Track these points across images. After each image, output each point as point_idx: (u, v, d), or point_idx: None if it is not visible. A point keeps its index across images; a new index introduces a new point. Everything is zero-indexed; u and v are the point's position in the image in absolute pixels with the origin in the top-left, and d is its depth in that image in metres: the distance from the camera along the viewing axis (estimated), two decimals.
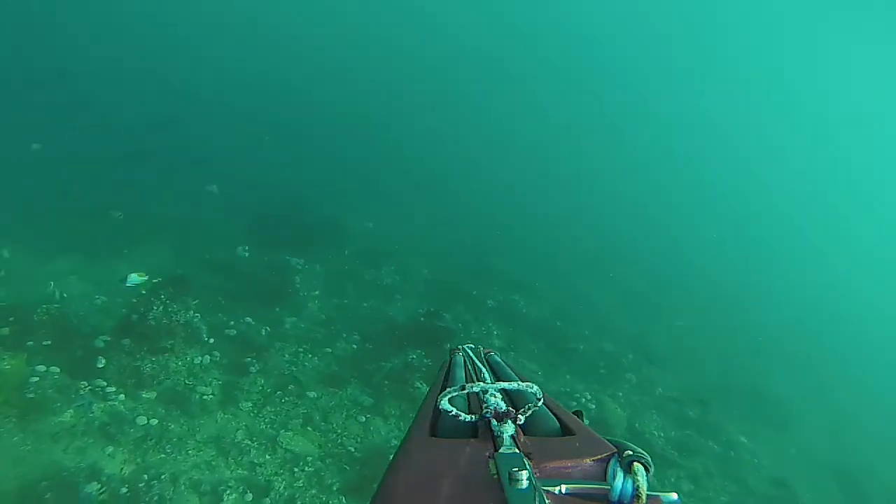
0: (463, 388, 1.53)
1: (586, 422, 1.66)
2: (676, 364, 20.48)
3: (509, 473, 1.06)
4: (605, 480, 1.21)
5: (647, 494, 1.10)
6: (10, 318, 10.52)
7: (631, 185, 51.86)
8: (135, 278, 11.86)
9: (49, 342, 10.32)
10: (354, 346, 14.46)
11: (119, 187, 20.42)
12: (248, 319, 13.85)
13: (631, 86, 65.96)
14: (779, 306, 36.15)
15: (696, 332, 24.84)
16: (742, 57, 61.46)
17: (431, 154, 42.15)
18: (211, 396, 10.53)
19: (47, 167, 19.58)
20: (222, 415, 10.27)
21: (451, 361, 2.75)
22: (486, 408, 1.51)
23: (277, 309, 15.40)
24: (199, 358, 11.21)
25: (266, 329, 13.68)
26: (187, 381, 10.65)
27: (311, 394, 11.63)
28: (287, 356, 12.81)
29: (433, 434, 1.55)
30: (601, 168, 53.19)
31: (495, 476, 1.14)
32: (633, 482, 1.13)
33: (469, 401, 1.82)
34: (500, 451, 1.27)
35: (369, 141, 39.91)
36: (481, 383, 1.73)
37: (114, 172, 21.51)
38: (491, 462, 1.21)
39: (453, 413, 1.49)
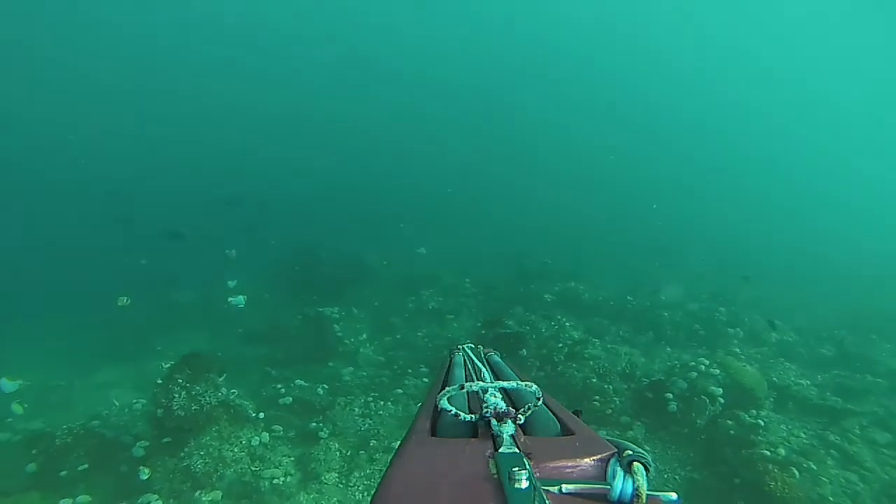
0: (462, 387, 1.52)
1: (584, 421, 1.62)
2: (776, 308, 18.24)
3: (509, 473, 1.04)
4: (605, 480, 1.15)
5: (647, 494, 1.05)
6: (34, 451, 8.80)
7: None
8: (240, 300, 12.10)
9: (86, 465, 8.54)
10: (425, 380, 12.59)
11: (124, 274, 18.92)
12: (300, 382, 12.01)
13: (643, 95, 63.38)
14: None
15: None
16: None
17: (441, 177, 40.86)
18: (286, 479, 8.55)
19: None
20: (306, 496, 8.30)
21: (450, 361, 2.70)
22: (486, 407, 1.48)
23: (330, 364, 13.72)
24: (256, 437, 9.27)
25: (323, 387, 11.80)
26: (252, 468, 8.68)
27: (397, 444, 9.61)
28: (357, 410, 10.88)
29: (433, 434, 1.52)
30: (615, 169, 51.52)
31: (495, 476, 1.11)
32: (633, 482, 1.07)
33: (469, 400, 1.79)
34: (500, 450, 1.24)
35: (372, 174, 38.64)
36: (480, 382, 1.75)
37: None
38: (491, 462, 1.18)
39: (453, 412, 1.48)
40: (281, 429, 9.80)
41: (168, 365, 9.26)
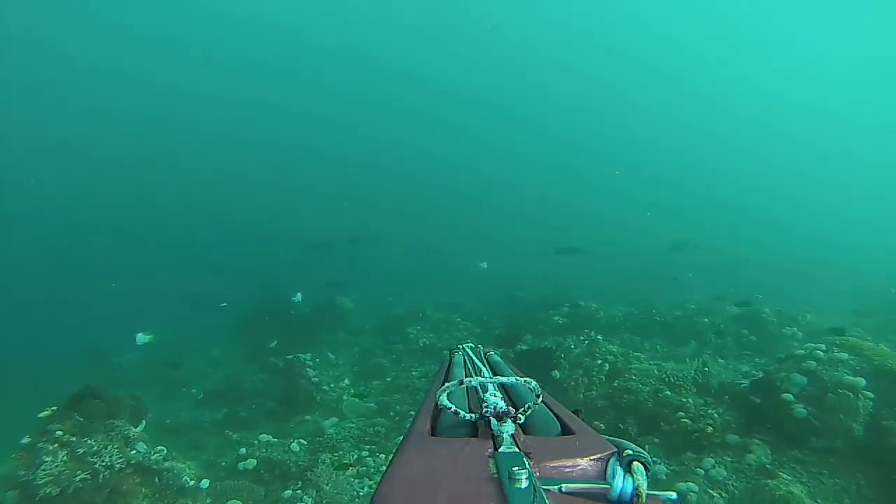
0: (461, 382, 1.51)
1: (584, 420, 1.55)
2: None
3: (509, 473, 1.01)
4: (605, 480, 1.14)
5: (647, 494, 1.03)
6: None
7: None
8: (142, 337, 11.26)
9: None
10: None
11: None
12: (266, 438, 8.89)
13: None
14: None
15: None
16: None
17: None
18: None
19: None
20: None
21: (450, 360, 2.73)
22: (486, 407, 1.45)
23: (307, 417, 10.79)
24: None
25: (300, 443, 8.71)
26: None
27: None
28: (349, 469, 7.78)
29: (433, 433, 1.48)
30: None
31: (495, 475, 1.08)
32: (633, 481, 1.06)
33: (469, 400, 1.78)
34: (500, 450, 1.21)
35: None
36: (478, 377, 1.75)
37: None
38: (491, 461, 1.16)
39: (452, 409, 1.44)
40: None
41: (45, 413, 5.90)
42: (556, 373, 10.23)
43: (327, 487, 6.99)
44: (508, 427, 1.34)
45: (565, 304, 17.27)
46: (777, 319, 13.41)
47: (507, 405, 1.46)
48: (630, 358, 10.70)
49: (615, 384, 8.80)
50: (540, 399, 1.49)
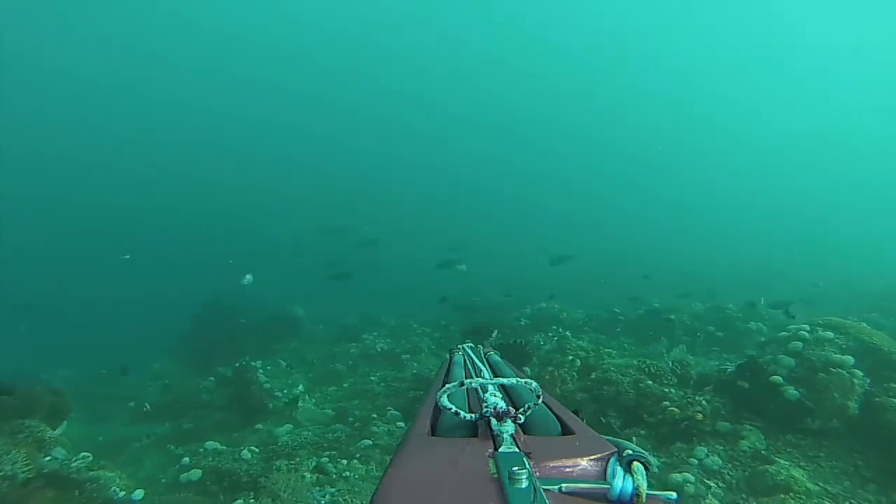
0: (462, 383, 1.50)
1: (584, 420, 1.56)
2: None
3: (509, 473, 1.00)
4: (605, 480, 1.12)
5: (647, 494, 1.02)
6: None
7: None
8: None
9: None
10: (400, 424, 9.08)
11: None
12: (214, 446, 8.00)
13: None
14: None
15: None
16: None
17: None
18: None
19: None
20: None
21: (451, 360, 2.73)
22: (486, 407, 1.43)
23: (258, 426, 9.85)
24: None
25: (251, 451, 7.84)
26: None
27: None
28: (309, 476, 7.08)
29: (433, 433, 1.48)
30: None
31: (495, 475, 1.07)
32: (633, 481, 1.04)
33: (469, 400, 1.77)
34: (500, 450, 1.20)
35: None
36: (479, 378, 1.73)
37: None
38: (491, 461, 1.14)
39: (453, 410, 1.43)
40: None
41: None
42: (527, 369, 9.74)
43: (285, 495, 6.20)
44: (508, 427, 1.33)
45: (526, 307, 16.92)
46: (742, 315, 13.31)
47: (507, 405, 1.45)
48: (602, 354, 10.35)
49: (592, 376, 8.33)
50: (540, 399, 1.48)
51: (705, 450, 6.26)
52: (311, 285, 22.93)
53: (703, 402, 6.95)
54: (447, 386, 1.48)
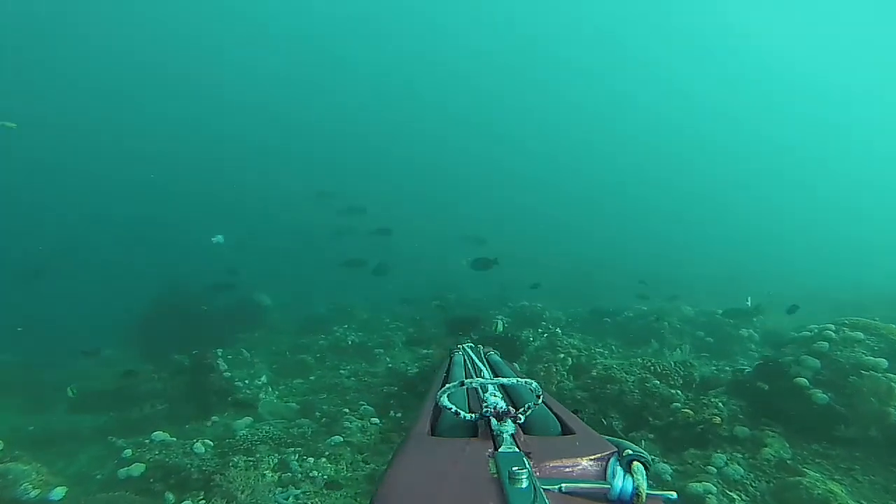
0: (462, 383, 1.50)
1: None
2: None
3: (509, 473, 1.00)
4: (605, 479, 1.12)
5: (647, 494, 1.02)
6: None
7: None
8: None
9: None
10: (374, 420, 8.18)
11: None
12: (162, 437, 7.03)
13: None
14: None
15: None
16: None
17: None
18: None
19: None
20: None
21: (451, 360, 2.71)
22: (487, 407, 1.44)
23: (214, 417, 8.87)
24: None
25: (205, 444, 6.90)
26: None
27: None
28: (270, 475, 6.17)
29: (433, 433, 1.49)
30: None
31: (495, 475, 1.06)
32: (633, 481, 1.04)
33: (469, 400, 1.77)
34: (500, 450, 1.21)
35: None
36: (479, 378, 1.72)
37: None
38: (491, 461, 1.14)
39: (453, 410, 1.43)
40: None
41: None
42: (516, 365, 8.97)
43: (242, 496, 5.29)
44: (508, 427, 1.32)
45: (507, 305, 16.24)
46: (733, 320, 12.77)
47: (507, 405, 1.44)
48: (594, 354, 9.67)
49: (593, 374, 7.60)
50: (540, 399, 1.47)
51: (724, 457, 5.57)
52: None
53: (720, 404, 6.26)
54: (447, 386, 1.47)
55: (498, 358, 3.01)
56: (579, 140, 56.94)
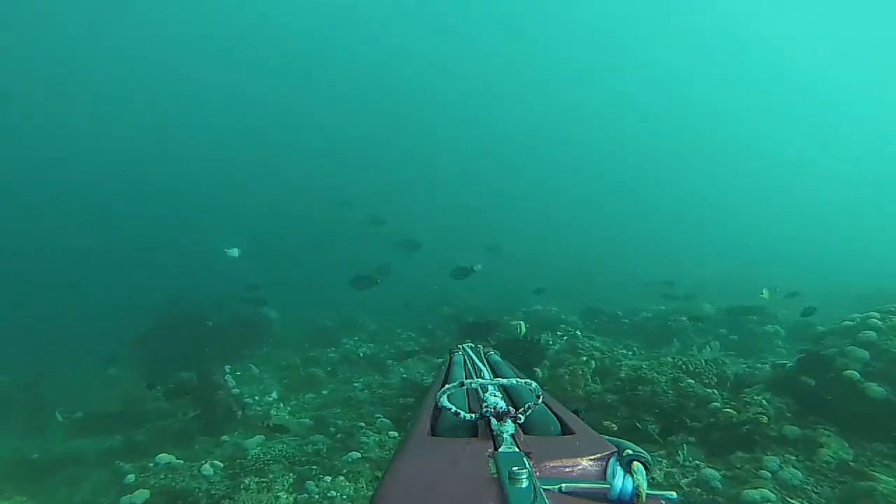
0: (462, 384, 1.51)
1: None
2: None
3: (509, 473, 0.99)
4: (605, 479, 1.11)
5: (647, 493, 1.02)
6: None
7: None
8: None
9: None
10: (392, 433, 7.80)
11: None
12: (169, 459, 6.64)
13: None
14: None
15: None
16: None
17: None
18: None
19: None
20: None
21: (450, 360, 2.72)
22: (486, 406, 1.43)
23: (224, 437, 8.49)
24: None
25: (214, 465, 6.49)
26: None
27: None
28: (285, 496, 5.75)
29: (433, 433, 1.47)
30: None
31: (495, 475, 1.06)
32: (633, 481, 1.04)
33: (469, 400, 1.75)
34: (500, 450, 1.20)
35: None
36: (479, 379, 1.79)
37: None
38: (491, 461, 1.14)
39: (453, 410, 1.42)
40: None
41: None
42: (539, 371, 8.61)
43: None
44: (508, 427, 1.32)
45: (518, 311, 15.85)
46: (758, 317, 12.32)
47: (507, 405, 1.43)
48: (617, 355, 9.24)
49: (622, 375, 7.17)
50: (540, 399, 1.46)
51: (777, 460, 5.12)
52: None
53: (763, 401, 5.83)
54: (447, 386, 1.48)
55: (498, 357, 2.95)
56: (579, 140, 56.53)
